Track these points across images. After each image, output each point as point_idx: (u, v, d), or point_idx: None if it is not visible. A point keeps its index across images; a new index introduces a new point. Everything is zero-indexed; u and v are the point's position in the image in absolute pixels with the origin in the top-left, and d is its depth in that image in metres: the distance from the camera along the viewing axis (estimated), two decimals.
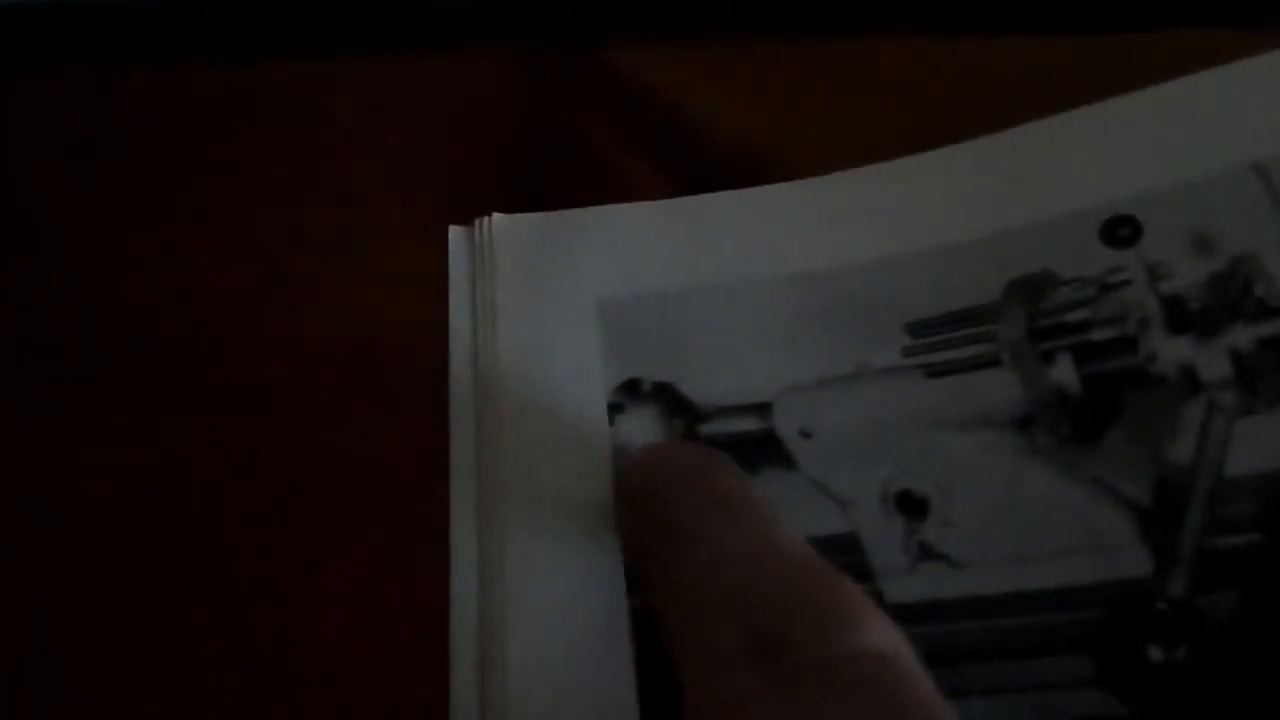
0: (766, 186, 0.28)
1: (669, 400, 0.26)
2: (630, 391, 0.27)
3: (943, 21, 0.31)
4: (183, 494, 0.26)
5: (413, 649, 0.23)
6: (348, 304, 0.28)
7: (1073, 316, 0.25)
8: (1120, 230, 0.26)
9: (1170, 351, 0.24)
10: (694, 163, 0.30)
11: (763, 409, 0.26)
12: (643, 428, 0.26)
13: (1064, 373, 0.25)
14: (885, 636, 0.18)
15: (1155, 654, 0.22)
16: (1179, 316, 0.24)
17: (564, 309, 0.28)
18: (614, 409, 0.26)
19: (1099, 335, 0.25)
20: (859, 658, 0.17)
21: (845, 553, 0.24)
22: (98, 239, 0.29)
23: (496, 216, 0.29)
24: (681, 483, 0.22)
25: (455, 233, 0.29)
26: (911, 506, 0.24)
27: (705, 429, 0.26)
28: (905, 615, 0.23)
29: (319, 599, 0.24)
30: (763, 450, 0.25)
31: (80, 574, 0.25)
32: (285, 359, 0.27)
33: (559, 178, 0.30)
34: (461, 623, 0.24)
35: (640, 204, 0.29)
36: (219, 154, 0.30)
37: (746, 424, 0.26)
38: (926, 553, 0.24)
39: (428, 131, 0.31)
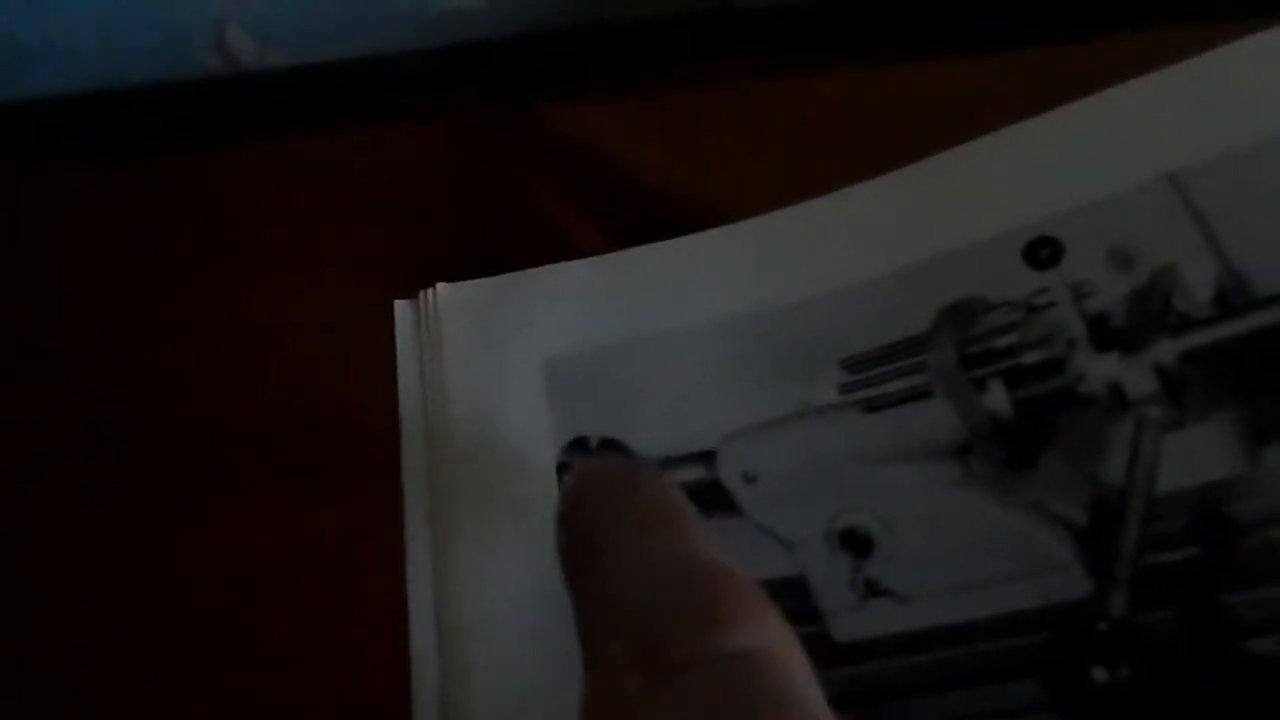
0: (698, 234, 0.29)
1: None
2: (578, 449, 0.27)
3: (864, 52, 0.31)
4: (149, 563, 0.27)
5: (374, 711, 0.24)
6: (297, 383, 0.29)
7: (1002, 341, 0.26)
8: (1042, 251, 0.26)
9: (1097, 370, 0.24)
10: (632, 215, 0.30)
11: (707, 457, 0.26)
12: None
13: (996, 399, 0.25)
14: (760, 634, 0.18)
15: (1099, 674, 0.22)
16: (1104, 334, 0.25)
17: (511, 372, 0.28)
18: (562, 468, 0.27)
19: (1028, 358, 0.25)
20: (727, 658, 0.17)
21: (793, 595, 0.24)
22: (56, 322, 0.30)
23: (440, 286, 0.30)
24: (603, 498, 0.21)
25: (401, 306, 0.30)
26: (856, 544, 0.25)
27: None
28: (855, 653, 0.24)
29: (279, 673, 0.25)
30: (709, 498, 0.26)
31: (68, 641, 0.26)
32: (234, 438, 0.28)
33: (501, 240, 0.31)
34: (422, 688, 0.25)
35: (579, 262, 0.29)
36: (165, 241, 0.31)
37: (692, 473, 0.26)
38: (873, 589, 0.24)
39: (368, 207, 0.31)
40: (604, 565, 0.20)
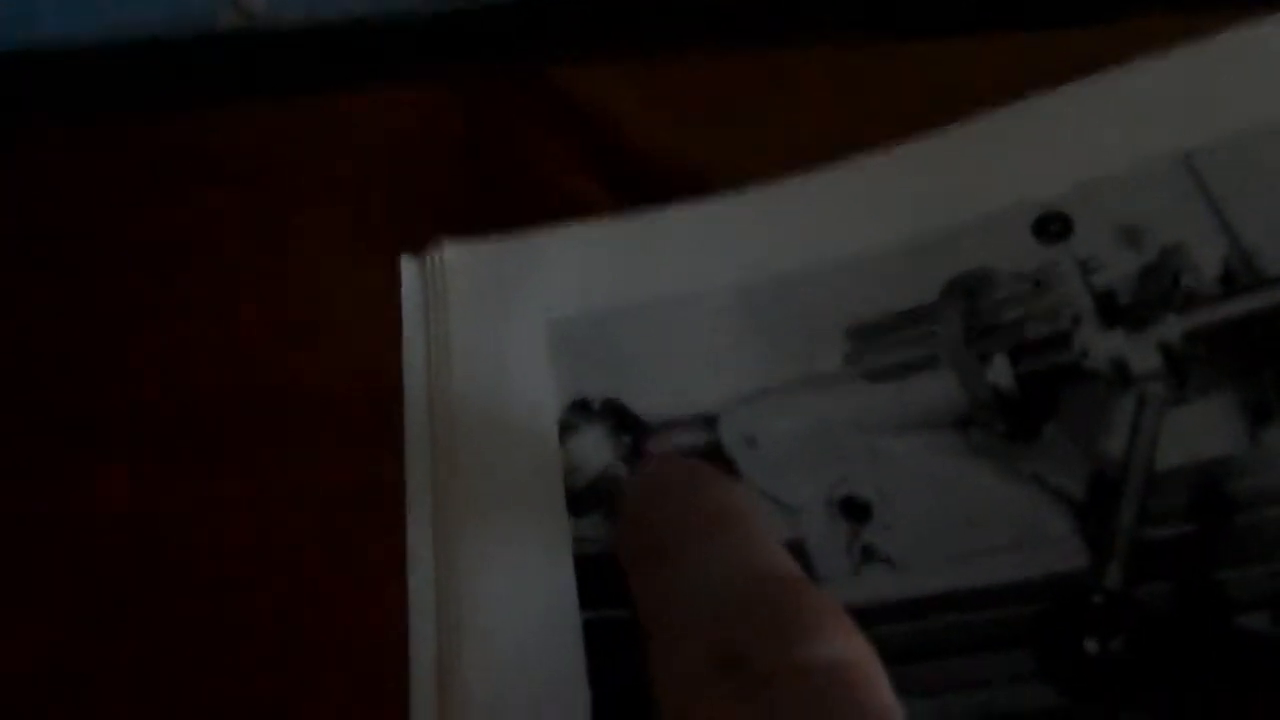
0: (708, 198, 0.29)
1: (618, 417, 0.27)
2: (580, 410, 0.27)
3: (875, 24, 0.31)
4: (150, 531, 0.27)
5: (373, 674, 0.24)
6: (303, 341, 0.29)
7: (1008, 315, 0.26)
8: (1051, 226, 0.26)
9: (1102, 346, 0.24)
10: (639, 178, 0.30)
11: (709, 420, 0.27)
12: (593, 446, 0.27)
13: (1000, 372, 0.25)
14: (845, 646, 0.18)
15: (1091, 646, 0.22)
16: (1110, 310, 0.25)
17: (515, 331, 0.28)
18: (565, 428, 0.27)
19: (1033, 332, 0.25)
20: (817, 668, 0.18)
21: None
22: (54, 288, 0.30)
23: (447, 244, 0.30)
24: (670, 500, 0.22)
25: (407, 263, 0.30)
26: (855, 511, 0.25)
27: (654, 445, 0.27)
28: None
29: (280, 630, 0.25)
30: (710, 462, 0.26)
31: (57, 613, 0.26)
32: (242, 398, 0.28)
33: (509, 201, 0.31)
34: (420, 647, 0.25)
35: (586, 223, 0.29)
36: (169, 200, 0.31)
37: (694, 437, 0.27)
38: (870, 556, 0.24)
39: (377, 165, 0.31)
40: (672, 567, 0.20)
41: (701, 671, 0.18)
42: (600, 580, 0.25)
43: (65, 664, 0.25)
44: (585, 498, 0.26)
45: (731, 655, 0.18)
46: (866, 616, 0.24)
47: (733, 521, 0.21)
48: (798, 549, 0.25)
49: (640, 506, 0.22)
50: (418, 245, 0.29)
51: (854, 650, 0.18)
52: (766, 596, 0.19)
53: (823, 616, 0.19)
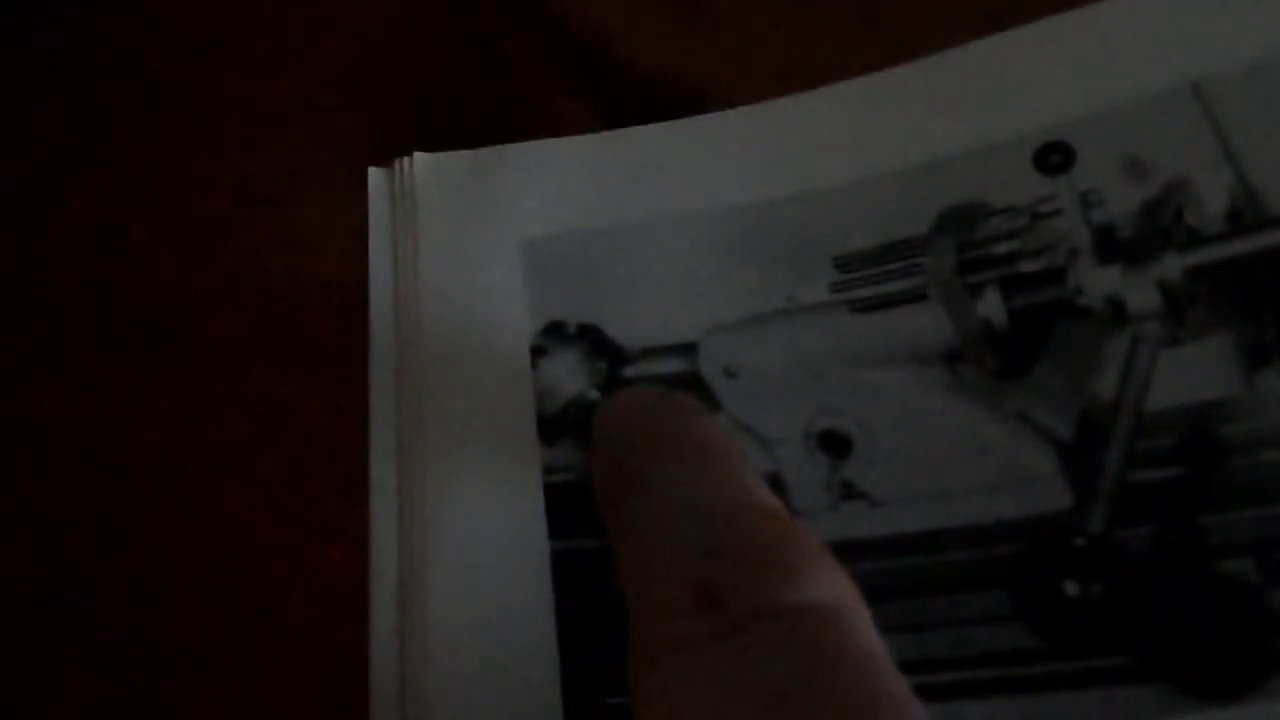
0: (693, 119, 0.27)
1: (593, 343, 0.26)
2: (554, 334, 0.26)
3: None
4: (104, 443, 0.25)
5: (333, 595, 0.23)
6: (265, 250, 0.27)
7: (1002, 248, 0.25)
8: (1053, 156, 0.25)
9: (1098, 282, 0.24)
10: (622, 96, 0.29)
11: (688, 349, 0.25)
12: (566, 371, 0.26)
13: (991, 306, 0.24)
14: (830, 588, 0.18)
15: (1071, 588, 0.22)
16: (1109, 246, 0.24)
17: (488, 250, 0.27)
18: (537, 352, 0.26)
19: (1027, 267, 0.24)
20: (798, 610, 0.17)
21: None
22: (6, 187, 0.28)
23: (418, 156, 0.28)
24: (648, 432, 0.21)
25: (375, 174, 0.28)
26: (835, 445, 0.24)
27: (629, 371, 0.26)
28: None
29: (238, 550, 0.24)
30: (688, 392, 0.25)
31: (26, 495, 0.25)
32: (200, 310, 0.26)
33: (483, 114, 0.29)
34: (381, 570, 0.24)
35: (566, 139, 0.28)
36: (125, 94, 0.29)
37: (671, 365, 0.25)
38: (848, 492, 0.24)
39: (347, 68, 0.29)
40: (647, 499, 0.19)
41: (677, 606, 0.17)
42: (570, 509, 0.24)
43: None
44: (556, 425, 0.25)
45: (710, 591, 0.17)
46: (843, 553, 0.23)
47: (713, 453, 0.20)
48: (774, 483, 0.24)
49: (615, 434, 0.22)
50: (387, 152, 0.28)
51: (837, 592, 0.18)
52: (749, 532, 0.18)
53: (807, 556, 0.18)
